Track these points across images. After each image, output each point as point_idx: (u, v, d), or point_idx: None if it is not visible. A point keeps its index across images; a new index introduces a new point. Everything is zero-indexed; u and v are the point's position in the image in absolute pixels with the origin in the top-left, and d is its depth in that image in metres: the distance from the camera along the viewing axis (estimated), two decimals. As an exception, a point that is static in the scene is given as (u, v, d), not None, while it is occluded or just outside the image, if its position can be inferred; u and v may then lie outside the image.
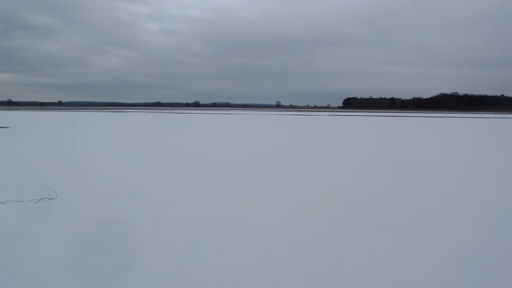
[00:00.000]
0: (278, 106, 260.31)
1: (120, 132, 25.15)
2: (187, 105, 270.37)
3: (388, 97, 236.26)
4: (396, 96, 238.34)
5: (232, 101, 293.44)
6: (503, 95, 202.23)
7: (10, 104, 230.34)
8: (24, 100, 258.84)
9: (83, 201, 6.63)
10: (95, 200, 6.72)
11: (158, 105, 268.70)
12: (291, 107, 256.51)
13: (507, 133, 29.08)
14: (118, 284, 3.59)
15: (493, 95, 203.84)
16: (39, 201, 6.51)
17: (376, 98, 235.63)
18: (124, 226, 5.30)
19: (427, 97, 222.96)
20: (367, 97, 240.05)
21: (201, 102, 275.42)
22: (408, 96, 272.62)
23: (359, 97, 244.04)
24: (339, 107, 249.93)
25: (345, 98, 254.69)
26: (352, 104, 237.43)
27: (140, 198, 6.87)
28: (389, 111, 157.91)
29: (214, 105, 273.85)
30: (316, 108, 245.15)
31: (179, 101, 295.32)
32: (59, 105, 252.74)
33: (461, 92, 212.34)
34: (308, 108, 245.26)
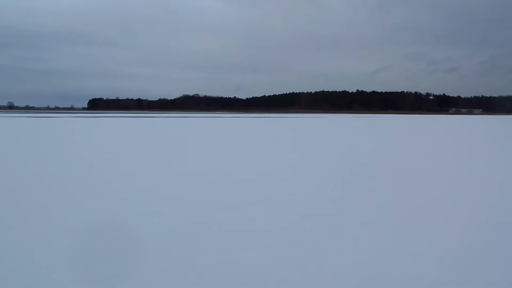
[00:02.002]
0: (11, 108, 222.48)
1: None
2: None
3: (135, 98, 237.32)
4: (143, 97, 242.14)
5: None
6: (235, 96, 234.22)
7: None
8: None
9: None
10: None
11: None
12: (28, 108, 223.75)
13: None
14: None
15: (227, 96, 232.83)
16: None
17: (123, 99, 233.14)
18: None
19: (172, 98, 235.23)
20: (114, 98, 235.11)
21: None
22: (155, 97, 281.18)
23: (105, 98, 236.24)
24: (84, 108, 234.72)
25: (91, 99, 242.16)
26: (98, 105, 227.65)
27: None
28: (136, 112, 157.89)
29: None
30: (58, 109, 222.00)
31: None
32: None
33: (202, 94, 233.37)
34: (48, 109, 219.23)
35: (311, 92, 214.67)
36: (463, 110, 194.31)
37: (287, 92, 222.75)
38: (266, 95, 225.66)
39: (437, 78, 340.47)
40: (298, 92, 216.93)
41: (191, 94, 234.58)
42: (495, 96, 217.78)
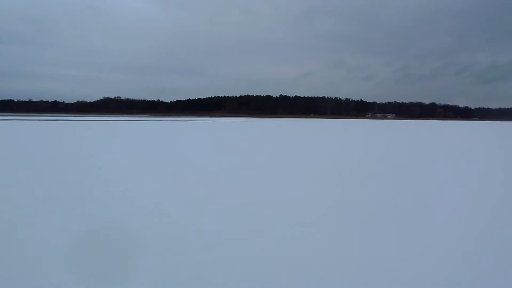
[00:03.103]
0: None
1: None
2: None
3: (50, 100, 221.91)
4: (60, 99, 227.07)
5: None
6: (159, 100, 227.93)
7: None
8: None
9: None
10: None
11: None
12: None
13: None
14: None
15: (151, 100, 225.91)
16: None
17: (36, 101, 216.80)
18: None
19: (92, 101, 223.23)
20: (26, 100, 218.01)
21: None
22: (73, 99, 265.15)
23: (16, 100, 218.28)
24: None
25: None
26: (8, 107, 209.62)
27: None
28: (50, 114, 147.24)
29: None
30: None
31: None
32: None
33: (124, 96, 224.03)
34: None
35: (236, 96, 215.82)
36: (378, 115, 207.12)
37: (212, 96, 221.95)
38: (191, 99, 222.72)
39: (355, 85, 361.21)
40: (223, 96, 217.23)
41: (112, 96, 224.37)
42: (407, 102, 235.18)
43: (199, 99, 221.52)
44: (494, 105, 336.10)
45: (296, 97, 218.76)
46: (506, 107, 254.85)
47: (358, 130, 43.59)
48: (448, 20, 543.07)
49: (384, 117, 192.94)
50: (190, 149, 17.09)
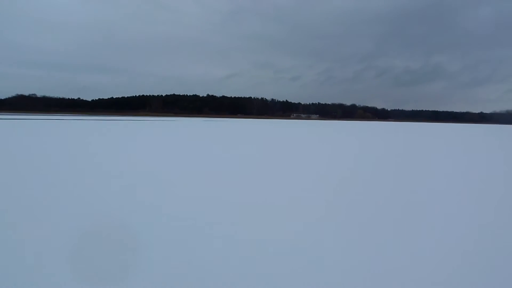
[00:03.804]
0: None
1: None
2: None
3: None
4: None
5: None
6: (79, 98, 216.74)
7: None
8: None
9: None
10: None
11: None
12: None
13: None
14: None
15: (70, 98, 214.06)
16: None
17: None
18: None
19: (3, 98, 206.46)
20: None
21: None
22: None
23: None
24: None
25: None
26: None
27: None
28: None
29: None
30: None
31: None
32: None
33: (40, 94, 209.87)
34: None
35: (161, 95, 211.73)
36: (303, 115, 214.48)
37: (137, 95, 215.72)
38: (114, 97, 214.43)
39: (281, 86, 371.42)
40: (148, 95, 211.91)
41: (26, 93, 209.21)
42: (329, 103, 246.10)
43: (123, 97, 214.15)
44: (407, 107, 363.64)
45: (223, 97, 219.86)
46: (418, 109, 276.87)
47: (282, 130, 44.97)
48: (368, 26, 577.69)
49: (309, 118, 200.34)
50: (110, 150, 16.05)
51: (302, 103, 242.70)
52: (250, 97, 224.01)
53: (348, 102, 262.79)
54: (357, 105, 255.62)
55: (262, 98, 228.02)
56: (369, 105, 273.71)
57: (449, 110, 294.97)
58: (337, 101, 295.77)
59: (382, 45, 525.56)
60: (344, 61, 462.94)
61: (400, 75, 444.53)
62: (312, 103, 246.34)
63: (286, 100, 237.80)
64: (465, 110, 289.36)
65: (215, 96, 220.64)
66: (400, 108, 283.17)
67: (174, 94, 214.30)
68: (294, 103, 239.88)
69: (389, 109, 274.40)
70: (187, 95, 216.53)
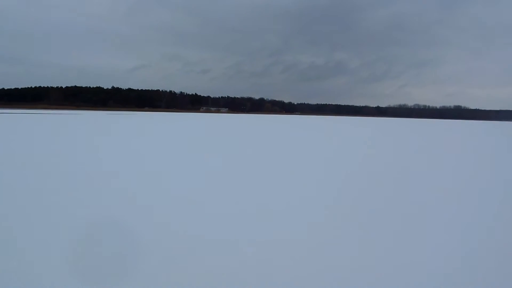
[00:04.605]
0: None
1: None
2: None
3: None
4: None
5: None
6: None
7: None
8: None
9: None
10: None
11: None
12: None
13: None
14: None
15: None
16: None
17: None
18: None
19: None
20: None
21: None
22: None
23: None
24: None
25: None
26: None
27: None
28: None
29: None
30: None
31: None
32: None
33: None
34: None
35: (61, 87, 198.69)
36: (212, 108, 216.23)
37: (33, 86, 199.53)
38: (6, 88, 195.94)
39: (191, 79, 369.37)
40: (46, 86, 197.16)
41: None
42: (239, 97, 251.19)
43: (16, 89, 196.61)
44: (312, 101, 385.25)
45: (130, 90, 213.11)
46: (322, 103, 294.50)
47: (189, 123, 45.95)
48: (276, 22, 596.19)
49: (218, 111, 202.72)
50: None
51: (212, 96, 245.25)
52: (158, 90, 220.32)
53: (256, 96, 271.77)
54: (265, 98, 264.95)
55: (170, 91, 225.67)
56: (277, 99, 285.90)
57: (350, 104, 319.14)
58: (246, 94, 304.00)
59: (290, 41, 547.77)
60: (253, 56, 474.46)
61: (305, 70, 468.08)
62: (222, 97, 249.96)
63: (196, 93, 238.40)
64: (363, 104, 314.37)
65: (120, 88, 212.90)
66: (306, 102, 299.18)
67: (75, 86, 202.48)
68: (204, 96, 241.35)
69: (295, 103, 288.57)
70: (90, 87, 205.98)
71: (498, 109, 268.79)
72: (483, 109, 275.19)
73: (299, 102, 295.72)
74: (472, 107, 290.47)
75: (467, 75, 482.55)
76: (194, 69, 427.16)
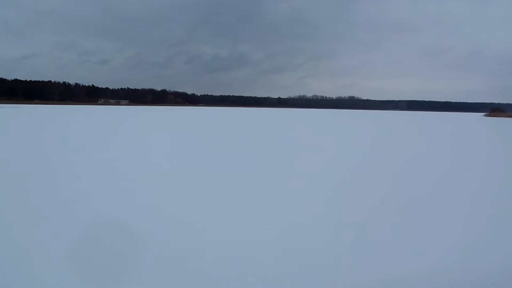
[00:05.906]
0: None
1: None
2: None
3: None
4: None
5: None
6: None
7: None
8: None
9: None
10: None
11: None
12: None
13: None
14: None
15: None
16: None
17: None
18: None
19: None
20: None
21: None
22: None
23: None
24: None
25: None
26: None
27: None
28: None
29: None
30: None
31: None
32: None
33: None
34: None
35: None
36: (112, 101, 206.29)
37: None
38: None
39: (87, 70, 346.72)
40: None
41: None
42: (140, 88, 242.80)
43: None
44: (216, 92, 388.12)
45: (16, 81, 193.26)
46: (226, 94, 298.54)
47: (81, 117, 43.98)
48: (179, 11, 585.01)
49: (118, 103, 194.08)
50: None
51: (111, 88, 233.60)
52: (50, 81, 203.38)
53: (158, 87, 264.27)
54: (167, 90, 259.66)
55: (64, 82, 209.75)
56: (180, 90, 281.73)
57: (253, 95, 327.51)
58: (147, 86, 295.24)
59: (193, 32, 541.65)
60: (155, 46, 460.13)
61: (209, 62, 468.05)
62: (121, 88, 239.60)
63: (93, 85, 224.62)
64: (266, 96, 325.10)
65: (5, 79, 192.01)
66: (210, 94, 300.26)
67: None
68: (102, 88, 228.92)
69: (199, 95, 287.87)
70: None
71: (386, 99, 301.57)
72: (373, 99, 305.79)
73: (203, 94, 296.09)
74: (364, 97, 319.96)
75: (359, 68, 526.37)
76: (91, 59, 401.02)
